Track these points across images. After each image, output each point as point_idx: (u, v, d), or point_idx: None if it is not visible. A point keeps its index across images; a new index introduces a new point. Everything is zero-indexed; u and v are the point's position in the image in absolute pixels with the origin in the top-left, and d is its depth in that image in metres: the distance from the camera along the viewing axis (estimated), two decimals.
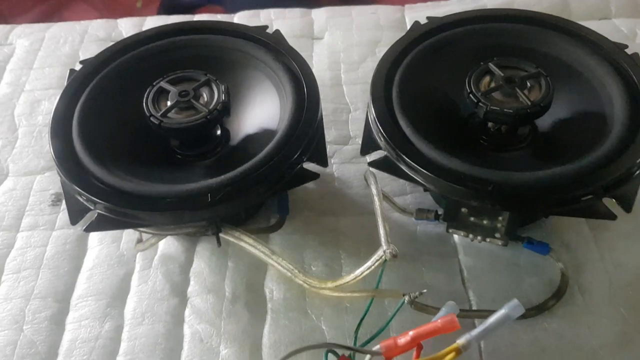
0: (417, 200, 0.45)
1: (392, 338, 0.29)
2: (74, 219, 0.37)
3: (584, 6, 0.61)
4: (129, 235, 0.44)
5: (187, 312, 0.40)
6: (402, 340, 0.28)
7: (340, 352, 0.29)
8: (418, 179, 0.37)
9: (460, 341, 0.29)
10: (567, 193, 0.35)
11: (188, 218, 0.37)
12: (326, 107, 0.49)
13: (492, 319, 0.30)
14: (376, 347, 0.29)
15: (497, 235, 0.40)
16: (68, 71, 0.44)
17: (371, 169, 0.39)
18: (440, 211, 0.42)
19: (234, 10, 0.64)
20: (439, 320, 0.28)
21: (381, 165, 0.38)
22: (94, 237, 0.45)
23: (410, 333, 0.28)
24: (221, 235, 0.40)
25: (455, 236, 0.43)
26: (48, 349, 0.39)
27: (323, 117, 0.42)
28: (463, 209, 0.40)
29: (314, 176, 0.39)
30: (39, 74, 0.58)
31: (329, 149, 0.49)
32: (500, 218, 0.39)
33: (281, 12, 0.64)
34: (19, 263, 0.44)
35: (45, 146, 0.51)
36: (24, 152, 0.51)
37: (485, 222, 0.40)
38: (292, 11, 0.63)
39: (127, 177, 0.38)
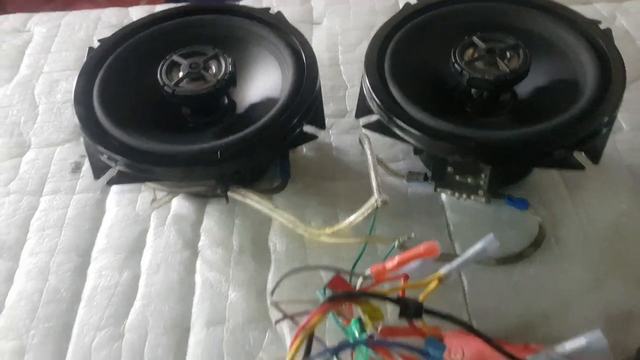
0: (408, 166, 0.49)
1: (382, 264, 0.32)
2: (97, 174, 0.41)
3: None
4: (143, 198, 0.48)
5: (198, 262, 0.44)
6: (390, 264, 0.32)
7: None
8: (407, 138, 0.41)
9: (442, 271, 0.33)
10: (542, 147, 0.39)
11: (199, 173, 0.41)
12: (325, 84, 0.53)
13: (470, 251, 0.34)
14: (368, 271, 0.33)
15: (480, 192, 0.44)
16: (84, 54, 0.48)
17: (365, 131, 0.43)
18: (429, 173, 0.46)
19: None
20: (421, 246, 0.32)
21: (374, 127, 0.42)
22: (112, 200, 0.49)
23: (396, 258, 0.32)
24: (229, 193, 0.44)
25: (443, 195, 0.47)
26: (72, 295, 0.43)
27: (322, 94, 0.46)
28: (449, 169, 0.44)
29: (313, 137, 0.43)
30: (56, 57, 0.62)
31: (328, 121, 0.52)
32: (482, 176, 0.43)
33: (282, 0, 0.68)
34: (43, 222, 0.48)
35: (64, 121, 0.56)
36: (45, 127, 0.55)
37: (469, 180, 0.44)
38: None
39: (144, 139, 0.41)
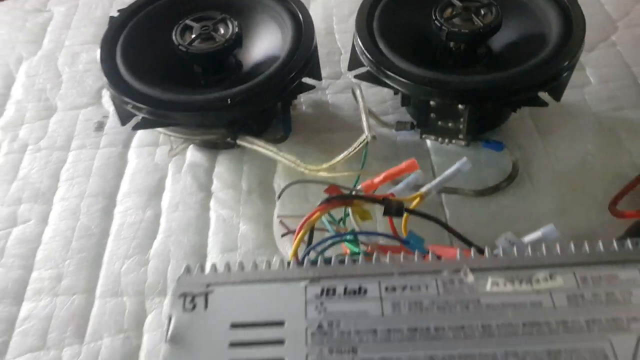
0: (397, 118, 0.55)
1: (370, 179, 0.38)
2: (124, 122, 0.47)
3: None
4: (161, 151, 0.54)
5: (212, 202, 0.50)
6: (377, 179, 0.37)
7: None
8: (393, 85, 0.46)
9: (423, 189, 0.39)
10: (511, 88, 0.45)
11: (212, 119, 0.47)
12: (321, 50, 0.58)
13: (447, 172, 0.39)
14: (359, 186, 0.38)
15: (460, 136, 0.50)
16: (101, 30, 0.53)
17: (356, 80, 0.49)
18: (415, 122, 0.52)
19: None
20: (403, 163, 0.38)
21: (364, 77, 0.48)
22: (132, 153, 0.55)
23: (383, 174, 0.38)
24: (238, 141, 0.50)
25: (428, 141, 0.53)
26: (101, 231, 0.49)
27: (319, 58, 0.52)
28: (432, 115, 0.50)
29: (311, 87, 0.48)
30: (76, 32, 0.68)
31: (325, 82, 0.59)
32: (461, 120, 0.49)
33: None
34: (72, 173, 0.53)
35: (87, 87, 0.61)
36: (69, 93, 0.61)
37: (450, 125, 0.50)
38: None
39: (162, 91, 0.47)
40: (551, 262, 0.28)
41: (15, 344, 0.43)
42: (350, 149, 0.45)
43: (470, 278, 0.28)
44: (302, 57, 0.48)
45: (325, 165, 0.46)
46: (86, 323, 0.43)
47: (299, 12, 0.52)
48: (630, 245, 0.28)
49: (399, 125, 0.53)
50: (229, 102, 0.45)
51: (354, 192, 0.38)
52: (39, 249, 0.48)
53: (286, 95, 0.48)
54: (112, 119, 0.57)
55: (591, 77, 0.57)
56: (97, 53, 0.50)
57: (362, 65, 0.49)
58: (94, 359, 0.42)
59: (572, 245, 0.29)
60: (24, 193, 0.52)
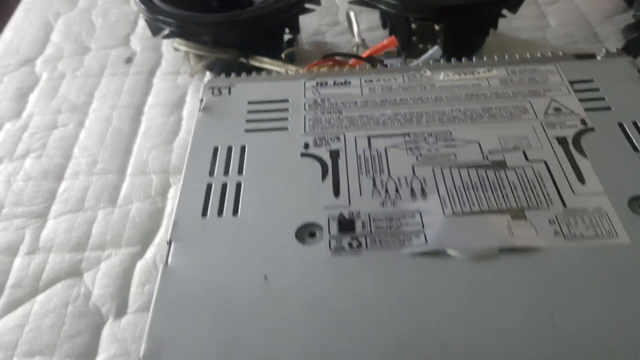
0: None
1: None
2: (155, 34, 0.56)
3: None
4: (182, 77, 0.63)
5: None
6: (365, 53, 0.46)
7: None
8: (380, 5, 0.56)
9: None
10: (479, 6, 0.54)
11: (227, 31, 0.56)
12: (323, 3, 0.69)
13: (422, 57, 0.48)
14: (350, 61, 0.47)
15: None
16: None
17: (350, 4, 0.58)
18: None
19: None
20: (385, 40, 0.46)
21: (357, 1, 0.57)
22: (157, 78, 0.63)
23: (367, 51, 0.46)
24: (249, 61, 0.59)
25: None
26: (131, 132, 0.57)
27: (321, 10, 0.61)
28: (414, 39, 0.59)
29: (311, 10, 0.58)
30: None
31: (324, 28, 0.68)
32: (439, 41, 0.58)
33: None
34: (104, 92, 0.62)
35: (117, 33, 0.71)
36: (102, 37, 0.70)
37: (429, 47, 0.59)
38: None
39: (186, 11, 0.57)
40: (490, 64, 0.37)
41: (56, 208, 0.50)
42: (343, 53, 0.53)
43: (428, 72, 0.36)
44: None
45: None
46: (118, 193, 0.51)
47: None
48: (549, 53, 0.37)
49: (386, 53, 0.62)
50: (241, 16, 0.54)
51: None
52: (77, 145, 0.56)
53: (292, 15, 0.57)
54: (140, 55, 0.66)
55: (551, 22, 0.67)
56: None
57: None
58: (125, 218, 0.49)
59: (506, 54, 0.38)
60: (63, 105, 0.60)
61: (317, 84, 0.38)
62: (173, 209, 0.36)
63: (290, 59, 0.62)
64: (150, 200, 0.50)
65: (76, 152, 0.55)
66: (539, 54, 0.39)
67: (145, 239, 0.47)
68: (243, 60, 0.59)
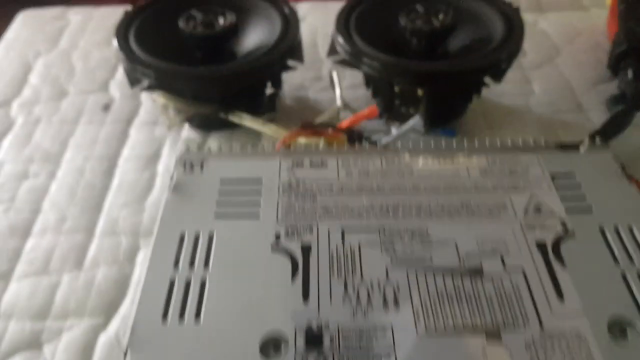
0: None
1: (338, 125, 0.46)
2: (132, 85, 0.55)
3: None
4: (160, 128, 0.62)
5: None
6: (344, 123, 0.45)
7: None
8: (363, 68, 0.55)
9: (382, 142, 0.47)
10: (462, 73, 0.53)
11: (207, 86, 0.55)
12: (306, 59, 0.68)
13: (403, 127, 0.47)
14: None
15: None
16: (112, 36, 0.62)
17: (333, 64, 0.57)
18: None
19: None
20: (365, 110, 0.45)
21: (340, 62, 0.56)
22: (134, 128, 0.62)
23: (347, 120, 0.45)
24: (229, 117, 0.58)
25: (392, 128, 0.60)
26: (103, 186, 0.55)
27: (304, 64, 0.60)
28: (397, 102, 0.58)
29: (294, 68, 0.57)
30: (90, 36, 0.77)
31: (307, 83, 0.68)
32: (421, 106, 0.57)
33: None
34: (79, 141, 0.60)
35: (97, 78, 0.69)
36: (80, 81, 0.69)
37: (411, 111, 0.58)
38: None
39: (167, 63, 0.55)
40: (471, 148, 0.36)
41: (21, 269, 0.48)
42: (323, 115, 0.52)
43: (407, 157, 0.35)
44: (289, 44, 0.57)
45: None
46: (85, 254, 0.49)
47: (286, 10, 0.61)
48: (531, 141, 0.36)
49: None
50: (222, 71, 0.53)
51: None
52: (46, 198, 0.54)
53: (274, 72, 0.56)
54: (118, 103, 0.65)
55: (535, 89, 0.66)
56: (114, 42, 0.58)
57: (337, 53, 0.57)
58: (90, 284, 0.47)
59: (487, 139, 0.37)
60: (36, 154, 0.59)
61: (293, 163, 0.37)
62: (140, 277, 0.35)
63: (272, 108, 0.61)
64: (117, 266, 0.48)
65: (45, 207, 0.54)
66: (520, 142, 0.38)
67: (109, 309, 0.45)
68: (222, 115, 0.58)
